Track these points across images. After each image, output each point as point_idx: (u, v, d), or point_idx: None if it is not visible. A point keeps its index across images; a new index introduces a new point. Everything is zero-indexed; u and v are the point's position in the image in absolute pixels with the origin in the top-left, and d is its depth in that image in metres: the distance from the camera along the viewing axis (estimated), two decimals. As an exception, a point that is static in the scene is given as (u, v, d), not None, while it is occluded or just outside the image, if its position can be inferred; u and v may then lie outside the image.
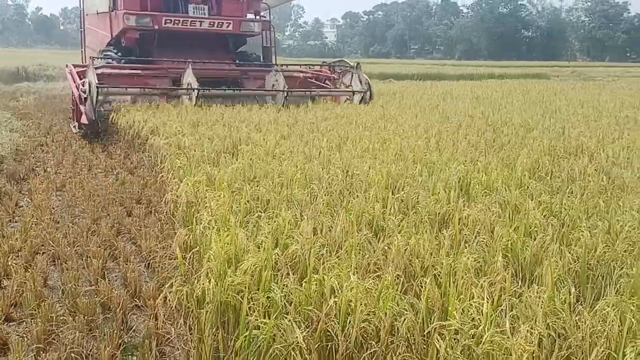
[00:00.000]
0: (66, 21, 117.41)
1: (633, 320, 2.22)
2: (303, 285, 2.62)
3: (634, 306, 2.35)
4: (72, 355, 3.11)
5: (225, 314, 2.72)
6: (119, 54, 11.94)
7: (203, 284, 2.78)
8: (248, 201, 3.99)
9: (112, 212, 5.83)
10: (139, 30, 11.63)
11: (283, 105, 10.47)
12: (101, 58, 11.28)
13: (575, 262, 3.04)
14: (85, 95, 9.61)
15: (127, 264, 4.42)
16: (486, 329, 2.15)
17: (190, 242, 3.54)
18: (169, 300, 3.07)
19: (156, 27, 11.48)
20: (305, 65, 14.34)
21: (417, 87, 19.22)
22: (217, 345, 2.67)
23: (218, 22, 11.98)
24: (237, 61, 12.79)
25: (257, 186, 4.41)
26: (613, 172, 5.13)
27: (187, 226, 3.71)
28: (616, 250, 3.18)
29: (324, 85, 12.80)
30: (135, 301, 3.87)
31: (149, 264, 4.54)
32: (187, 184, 4.29)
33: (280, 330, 2.36)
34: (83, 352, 3.17)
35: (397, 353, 2.24)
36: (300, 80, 12.69)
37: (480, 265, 2.97)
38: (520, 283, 2.85)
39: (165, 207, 4.99)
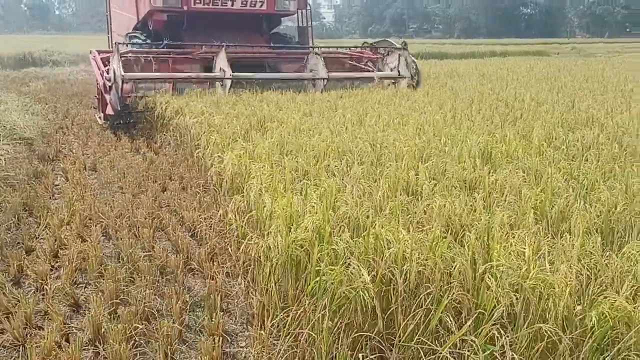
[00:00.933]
0: (61, 5, 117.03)
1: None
2: (362, 238, 2.94)
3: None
4: (146, 309, 3.45)
5: (290, 266, 3.05)
6: (147, 38, 11.23)
7: (269, 240, 3.11)
8: (290, 171, 4.30)
9: (149, 188, 6.16)
10: (167, 12, 10.79)
11: (322, 92, 9.71)
12: (127, 44, 10.47)
13: (598, 217, 3.37)
14: (110, 84, 9.01)
15: (174, 233, 4.75)
16: (531, 267, 2.49)
17: (243, 208, 3.87)
18: (232, 258, 3.40)
19: (185, 7, 10.64)
20: (344, 47, 12.87)
21: (422, 66, 19.42)
22: (286, 292, 3.02)
23: (251, 1, 11.13)
24: (272, 43, 12.01)
25: (295, 158, 4.72)
26: (624, 140, 5.44)
27: (239, 194, 4.02)
28: (635, 208, 3.51)
29: (365, 67, 11.72)
30: (191, 264, 4.21)
31: (194, 233, 4.88)
32: (231, 156, 4.60)
33: (345, 276, 2.69)
34: (155, 307, 3.52)
35: (452, 293, 2.57)
36: (340, 63, 11.69)
37: (513, 221, 3.30)
38: (550, 236, 3.18)
39: (205, 179, 5.31)
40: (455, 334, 2.42)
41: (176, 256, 4.32)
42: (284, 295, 3.09)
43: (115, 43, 9.55)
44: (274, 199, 3.53)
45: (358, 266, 2.67)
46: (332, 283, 2.69)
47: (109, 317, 3.45)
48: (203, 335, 3.30)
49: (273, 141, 5.23)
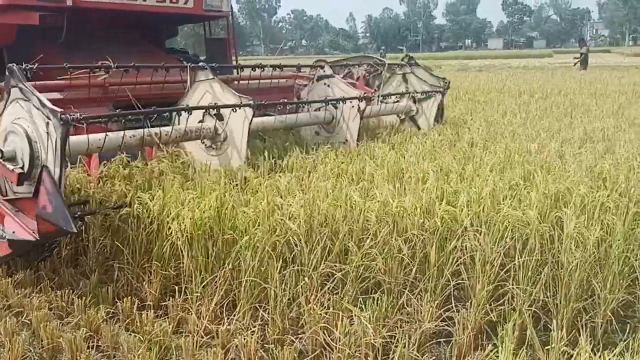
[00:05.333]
0: None
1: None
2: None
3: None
4: None
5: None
6: None
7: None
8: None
9: None
10: (39, 10, 6.28)
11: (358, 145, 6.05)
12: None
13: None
14: (18, 167, 3.92)
15: None
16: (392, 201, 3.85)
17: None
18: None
19: (69, 3, 6.40)
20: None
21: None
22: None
23: None
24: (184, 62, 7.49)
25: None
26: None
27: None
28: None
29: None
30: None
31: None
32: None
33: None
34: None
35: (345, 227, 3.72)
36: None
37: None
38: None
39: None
40: (359, 252, 3.59)
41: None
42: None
43: (11, 68, 3.98)
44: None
45: (282, 219, 3.61)
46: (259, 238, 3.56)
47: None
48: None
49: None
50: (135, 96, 5.24)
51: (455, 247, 3.61)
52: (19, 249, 3.98)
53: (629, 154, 5.54)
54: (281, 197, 4.09)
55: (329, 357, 3.19)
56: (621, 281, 3.46)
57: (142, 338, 3.34)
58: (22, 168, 3.90)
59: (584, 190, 4.10)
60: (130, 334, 3.45)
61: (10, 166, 3.89)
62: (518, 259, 3.48)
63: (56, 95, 5.16)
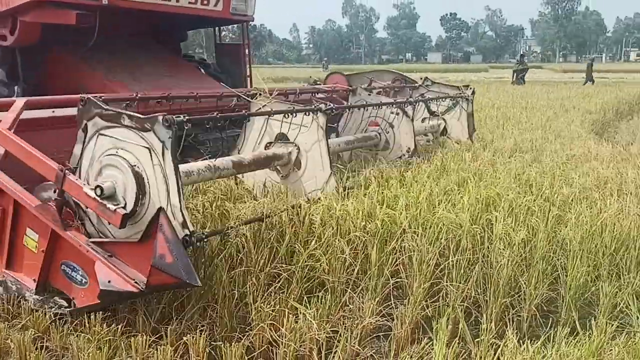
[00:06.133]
0: None
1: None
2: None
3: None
4: None
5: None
6: None
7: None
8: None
9: None
10: (77, 8, 5.44)
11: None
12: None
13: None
14: (120, 206, 3.28)
15: None
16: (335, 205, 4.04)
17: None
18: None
19: (104, 0, 5.64)
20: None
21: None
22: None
23: None
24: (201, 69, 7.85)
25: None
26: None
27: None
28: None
29: None
30: None
31: None
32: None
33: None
34: None
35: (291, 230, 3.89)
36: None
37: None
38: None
39: None
40: (304, 253, 3.77)
41: None
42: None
43: (86, 99, 3.45)
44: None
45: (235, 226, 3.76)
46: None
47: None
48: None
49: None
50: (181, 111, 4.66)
51: (395, 247, 3.85)
52: (111, 299, 3.42)
53: (553, 162, 5.97)
54: (232, 203, 4.23)
55: (276, 353, 3.34)
56: (544, 279, 3.76)
57: (91, 338, 3.39)
58: (124, 207, 3.27)
59: (512, 196, 4.43)
60: (79, 335, 3.49)
61: (111, 206, 3.21)
62: (452, 258, 3.74)
63: None
